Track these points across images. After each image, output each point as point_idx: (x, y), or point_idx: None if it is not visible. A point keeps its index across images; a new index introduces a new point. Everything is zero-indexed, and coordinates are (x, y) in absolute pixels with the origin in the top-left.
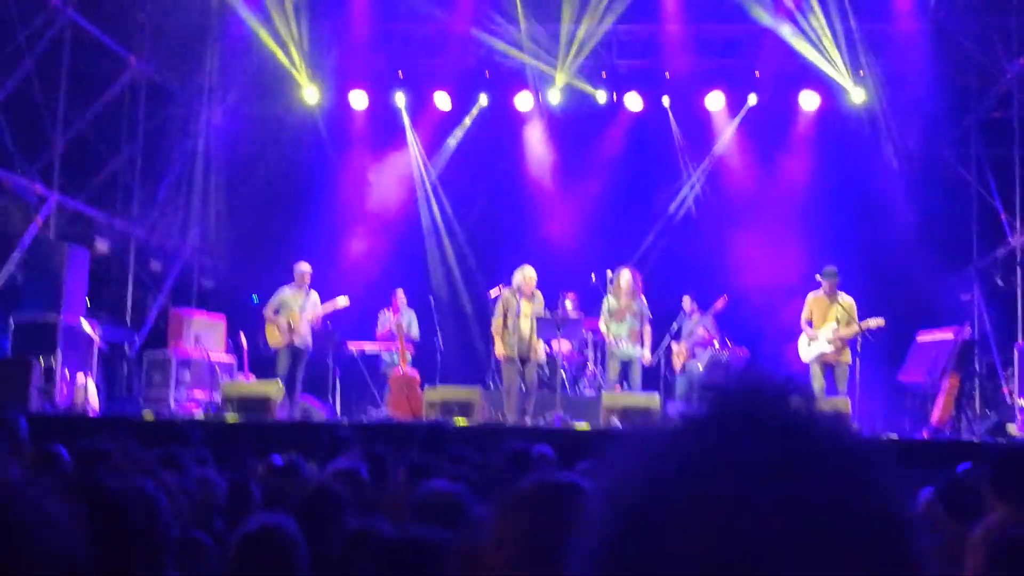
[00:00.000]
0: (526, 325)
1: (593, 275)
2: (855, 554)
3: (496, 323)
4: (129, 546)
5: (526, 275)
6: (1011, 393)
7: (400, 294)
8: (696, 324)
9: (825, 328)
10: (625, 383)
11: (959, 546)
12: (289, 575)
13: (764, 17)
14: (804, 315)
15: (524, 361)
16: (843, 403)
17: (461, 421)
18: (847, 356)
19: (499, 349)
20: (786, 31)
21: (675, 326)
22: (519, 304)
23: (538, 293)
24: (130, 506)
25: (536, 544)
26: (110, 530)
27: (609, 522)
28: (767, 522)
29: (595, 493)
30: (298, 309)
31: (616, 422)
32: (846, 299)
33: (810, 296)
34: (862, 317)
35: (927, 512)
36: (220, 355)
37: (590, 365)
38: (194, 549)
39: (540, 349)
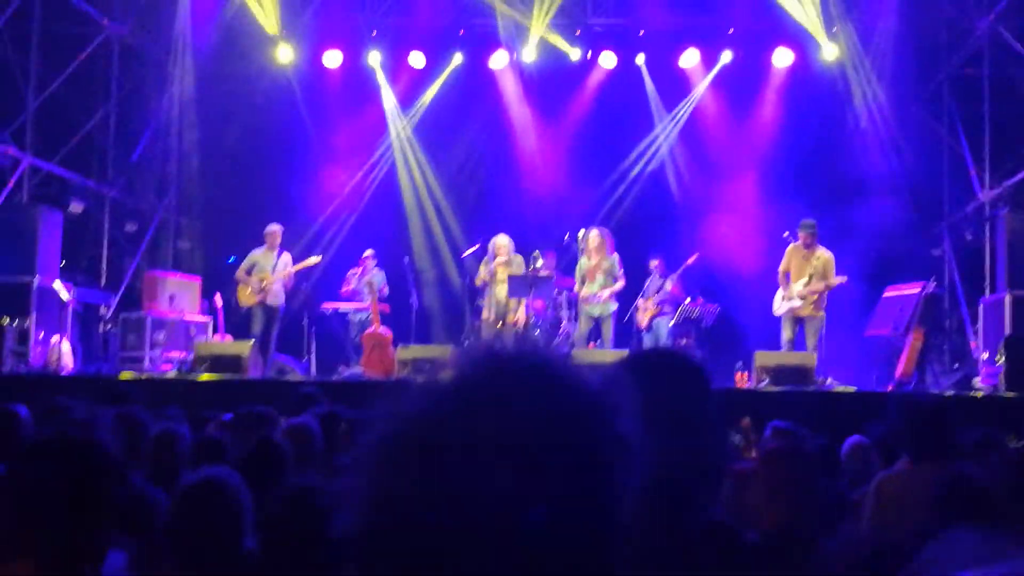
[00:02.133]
0: (502, 290)
1: (567, 235)
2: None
3: (481, 272)
4: (80, 497)
5: (498, 243)
6: (978, 348)
7: (369, 254)
8: (664, 282)
9: (798, 283)
10: (599, 340)
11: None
12: (231, 526)
13: None
14: (781, 267)
15: (502, 323)
16: (808, 357)
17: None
18: (820, 311)
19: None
20: None
21: (647, 284)
22: (495, 270)
23: (517, 257)
24: (81, 459)
25: None
26: (63, 483)
27: (372, 459)
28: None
29: (366, 433)
30: (269, 269)
31: None
32: (823, 254)
33: (789, 248)
34: (838, 273)
35: (854, 457)
36: (195, 316)
37: (564, 323)
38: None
39: (519, 311)
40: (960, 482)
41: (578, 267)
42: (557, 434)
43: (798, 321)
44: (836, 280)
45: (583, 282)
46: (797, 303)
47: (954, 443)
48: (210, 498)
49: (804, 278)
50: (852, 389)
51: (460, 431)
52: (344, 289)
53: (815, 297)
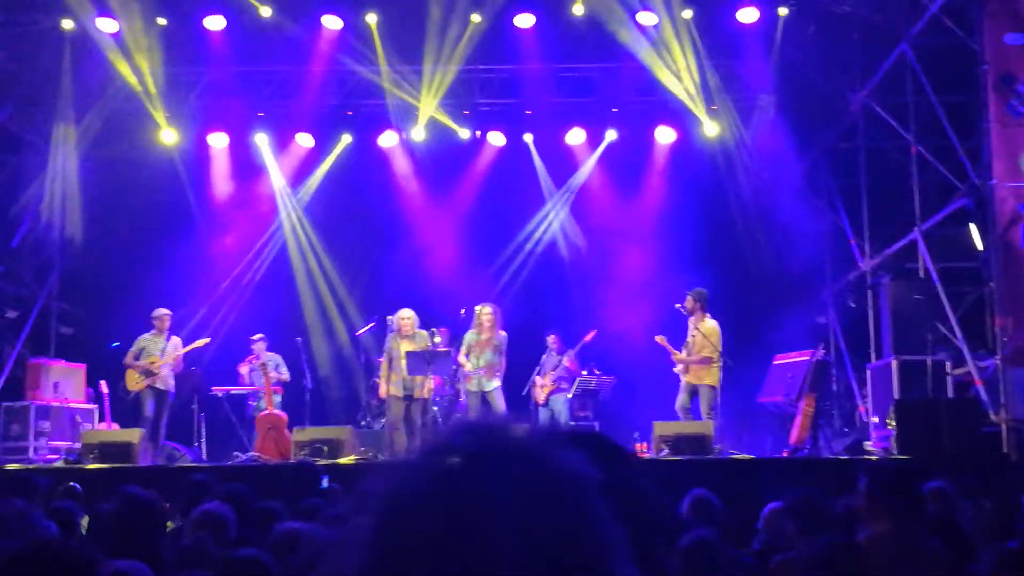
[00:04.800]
0: (406, 364)
1: (463, 310)
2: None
3: (383, 367)
4: None
5: (401, 317)
6: (867, 411)
7: (257, 340)
8: (561, 358)
9: (684, 351)
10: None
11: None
12: None
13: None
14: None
15: (409, 399)
16: (705, 426)
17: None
18: (708, 379)
19: (383, 390)
20: (642, 67)
21: (543, 359)
22: (400, 345)
23: (421, 332)
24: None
25: None
26: None
27: (365, 544)
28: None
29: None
30: (158, 353)
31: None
32: (706, 324)
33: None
34: (726, 343)
35: (772, 523)
36: (81, 403)
37: (462, 398)
38: None
39: (427, 386)
40: None
41: (466, 339)
42: (564, 523)
43: (693, 389)
44: (709, 352)
45: (467, 355)
46: (679, 369)
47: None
48: None
49: (688, 344)
50: (749, 456)
51: (468, 518)
52: (241, 381)
53: (697, 366)
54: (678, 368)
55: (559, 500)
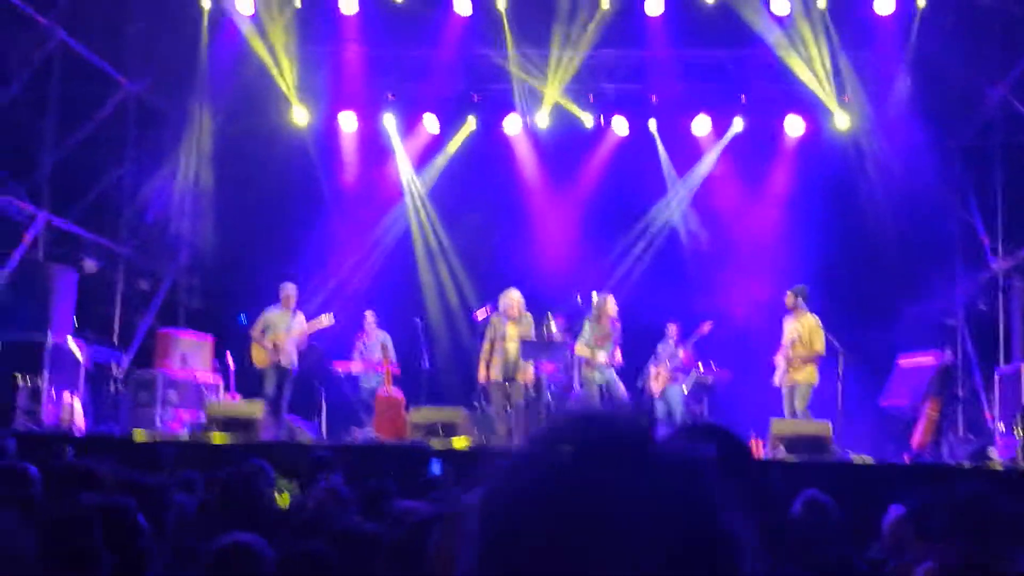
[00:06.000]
0: (512, 347)
1: (579, 297)
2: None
3: (484, 348)
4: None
5: (511, 298)
6: (992, 418)
7: (369, 316)
8: (677, 349)
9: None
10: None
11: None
12: None
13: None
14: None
15: (510, 381)
16: (823, 427)
17: (460, 442)
18: (802, 375)
19: (482, 374)
20: (772, 54)
21: (661, 349)
22: (505, 328)
23: (527, 315)
24: (100, 523)
25: None
26: (81, 546)
27: (479, 537)
28: (604, 539)
29: (470, 510)
30: (284, 329)
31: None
32: (807, 320)
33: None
34: (840, 341)
35: (894, 531)
36: (207, 375)
37: (576, 386)
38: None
39: (527, 370)
40: None
41: (586, 331)
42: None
43: (791, 390)
44: (820, 347)
45: (593, 347)
46: (779, 371)
47: None
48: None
49: (787, 343)
50: (869, 459)
51: (581, 513)
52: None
53: (797, 363)
54: (779, 369)
55: (679, 494)
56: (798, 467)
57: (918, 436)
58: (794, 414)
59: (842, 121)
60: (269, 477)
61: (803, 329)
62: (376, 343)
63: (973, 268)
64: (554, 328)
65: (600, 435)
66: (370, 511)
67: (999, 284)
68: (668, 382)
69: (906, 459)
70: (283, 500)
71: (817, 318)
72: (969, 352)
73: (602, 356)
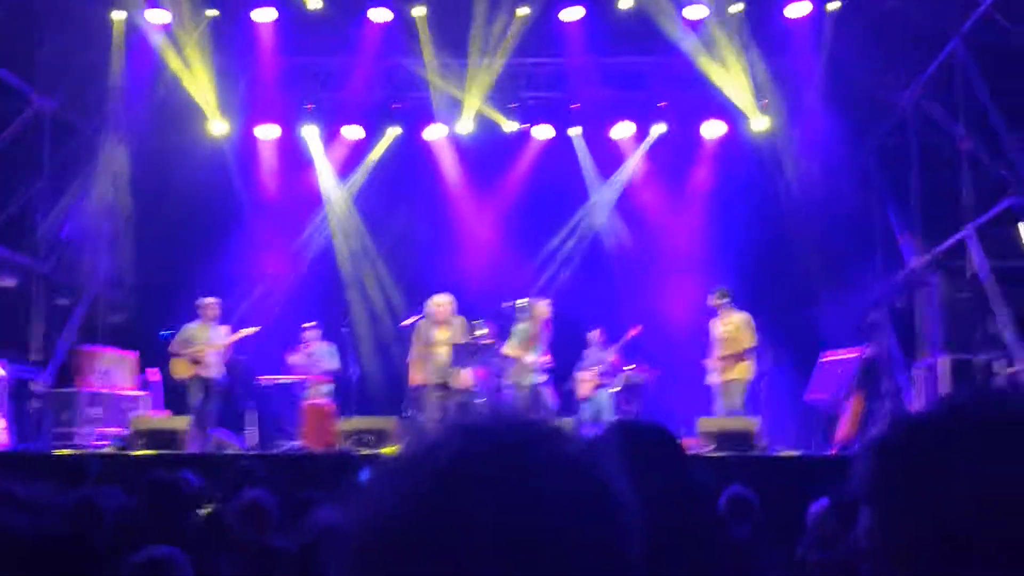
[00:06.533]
0: (442, 351)
1: (505, 304)
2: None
3: (413, 352)
4: None
5: (436, 302)
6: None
7: (309, 328)
8: (604, 352)
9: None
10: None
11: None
12: None
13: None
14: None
15: (445, 388)
16: (749, 422)
17: (390, 450)
18: (734, 373)
19: (415, 377)
20: (690, 61)
21: (585, 354)
22: (434, 332)
23: (457, 318)
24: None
25: None
26: None
27: (356, 545)
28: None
29: (346, 516)
30: (204, 341)
31: None
32: (735, 318)
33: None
34: (765, 339)
35: (817, 523)
36: (130, 391)
37: (505, 390)
38: None
39: (461, 375)
40: None
41: (515, 332)
42: (571, 519)
43: (726, 386)
44: (748, 342)
45: (526, 350)
46: (713, 374)
47: None
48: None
49: (716, 345)
50: (795, 453)
51: (444, 526)
52: (291, 370)
53: (729, 361)
54: (711, 374)
55: (569, 494)
56: (725, 462)
57: (843, 430)
58: (729, 412)
59: (759, 124)
60: (192, 488)
61: (730, 327)
62: (310, 352)
63: (892, 265)
64: (484, 332)
65: (484, 438)
66: (294, 522)
67: (916, 281)
68: (596, 386)
69: (831, 452)
70: (205, 512)
71: (747, 315)
72: (891, 347)
73: (530, 357)
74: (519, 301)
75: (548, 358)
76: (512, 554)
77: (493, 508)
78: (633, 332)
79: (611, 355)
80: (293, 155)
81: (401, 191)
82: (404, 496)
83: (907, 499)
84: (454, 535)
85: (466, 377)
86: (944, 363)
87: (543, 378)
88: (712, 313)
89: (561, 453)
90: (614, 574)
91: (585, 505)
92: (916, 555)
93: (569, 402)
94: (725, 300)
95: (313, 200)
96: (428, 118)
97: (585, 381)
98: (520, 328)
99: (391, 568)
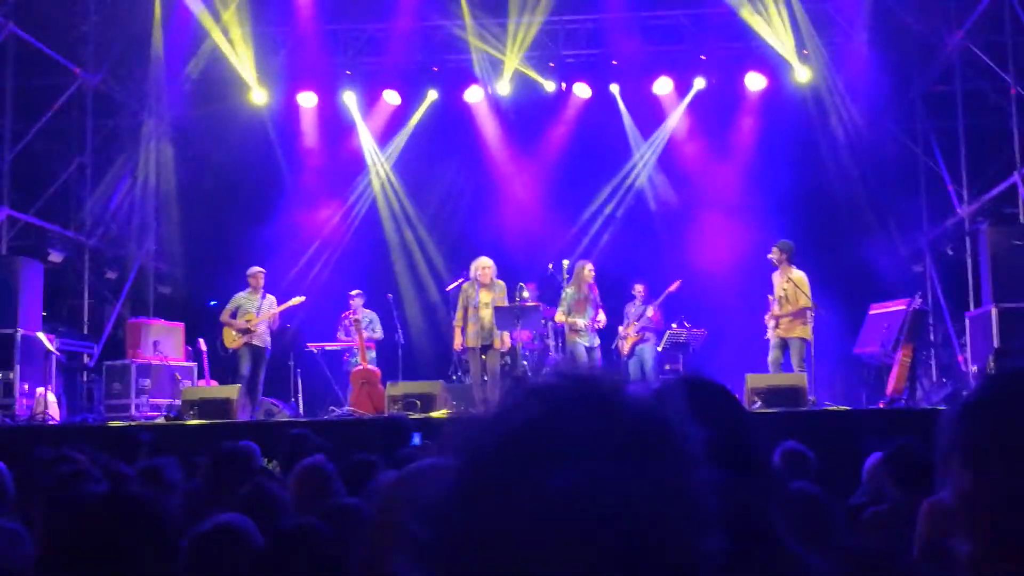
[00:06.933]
0: (486, 314)
1: (550, 265)
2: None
3: (457, 316)
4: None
5: (481, 265)
6: (965, 361)
7: (355, 296)
8: (645, 308)
9: (775, 304)
10: None
11: (905, 511)
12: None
13: None
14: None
15: (486, 349)
16: (798, 378)
17: (440, 413)
18: (798, 331)
19: (457, 342)
20: (730, 12)
21: (630, 310)
22: (478, 294)
23: (499, 282)
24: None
25: None
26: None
27: (454, 488)
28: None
29: (437, 471)
30: (254, 311)
31: None
32: (795, 275)
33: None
34: (815, 293)
35: (872, 477)
36: (180, 361)
37: (551, 352)
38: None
39: (503, 337)
40: None
41: (564, 297)
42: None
43: (783, 343)
44: (805, 302)
45: (569, 312)
46: (770, 324)
47: None
48: (224, 545)
49: (778, 298)
50: (845, 408)
51: (538, 475)
52: (336, 336)
53: (787, 319)
54: (769, 324)
55: (645, 456)
56: (775, 418)
57: (892, 382)
58: (777, 365)
59: (802, 74)
60: (258, 457)
61: (788, 285)
62: (356, 318)
63: (939, 214)
64: (527, 295)
65: (568, 394)
66: (355, 485)
67: (965, 229)
68: (636, 341)
69: (881, 405)
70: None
71: (802, 273)
72: (939, 297)
73: (582, 322)
74: (564, 262)
75: (603, 319)
76: (603, 497)
77: (580, 462)
78: (673, 287)
79: (651, 311)
80: (334, 121)
81: (443, 154)
82: (490, 452)
83: (1017, 457)
84: (538, 489)
85: (507, 340)
86: (995, 312)
87: (596, 341)
88: (759, 266)
89: (635, 402)
90: (694, 515)
91: (666, 459)
92: None
93: (614, 360)
94: (784, 255)
95: (355, 166)
96: (467, 80)
97: (624, 337)
98: (568, 292)
99: (481, 524)
